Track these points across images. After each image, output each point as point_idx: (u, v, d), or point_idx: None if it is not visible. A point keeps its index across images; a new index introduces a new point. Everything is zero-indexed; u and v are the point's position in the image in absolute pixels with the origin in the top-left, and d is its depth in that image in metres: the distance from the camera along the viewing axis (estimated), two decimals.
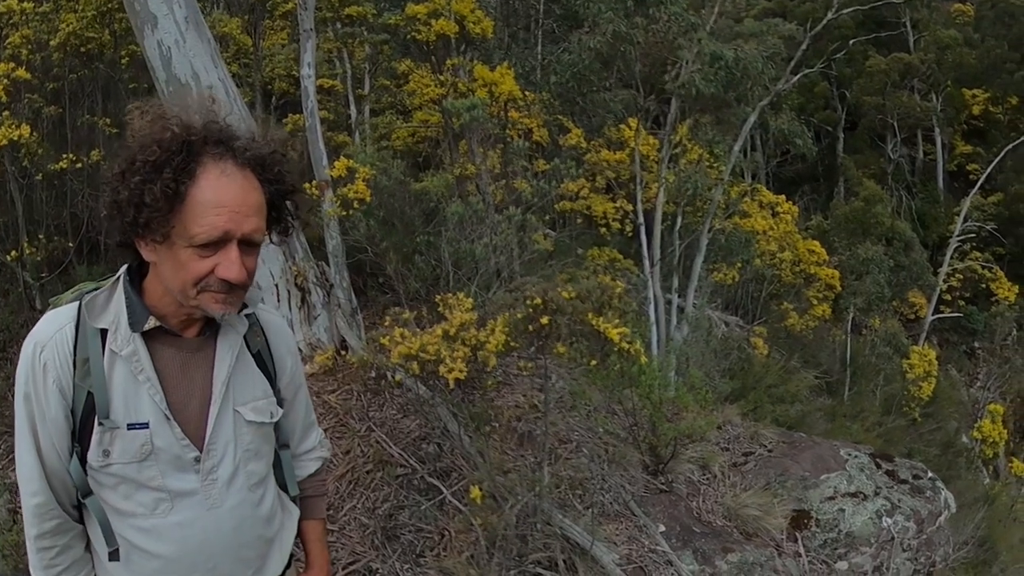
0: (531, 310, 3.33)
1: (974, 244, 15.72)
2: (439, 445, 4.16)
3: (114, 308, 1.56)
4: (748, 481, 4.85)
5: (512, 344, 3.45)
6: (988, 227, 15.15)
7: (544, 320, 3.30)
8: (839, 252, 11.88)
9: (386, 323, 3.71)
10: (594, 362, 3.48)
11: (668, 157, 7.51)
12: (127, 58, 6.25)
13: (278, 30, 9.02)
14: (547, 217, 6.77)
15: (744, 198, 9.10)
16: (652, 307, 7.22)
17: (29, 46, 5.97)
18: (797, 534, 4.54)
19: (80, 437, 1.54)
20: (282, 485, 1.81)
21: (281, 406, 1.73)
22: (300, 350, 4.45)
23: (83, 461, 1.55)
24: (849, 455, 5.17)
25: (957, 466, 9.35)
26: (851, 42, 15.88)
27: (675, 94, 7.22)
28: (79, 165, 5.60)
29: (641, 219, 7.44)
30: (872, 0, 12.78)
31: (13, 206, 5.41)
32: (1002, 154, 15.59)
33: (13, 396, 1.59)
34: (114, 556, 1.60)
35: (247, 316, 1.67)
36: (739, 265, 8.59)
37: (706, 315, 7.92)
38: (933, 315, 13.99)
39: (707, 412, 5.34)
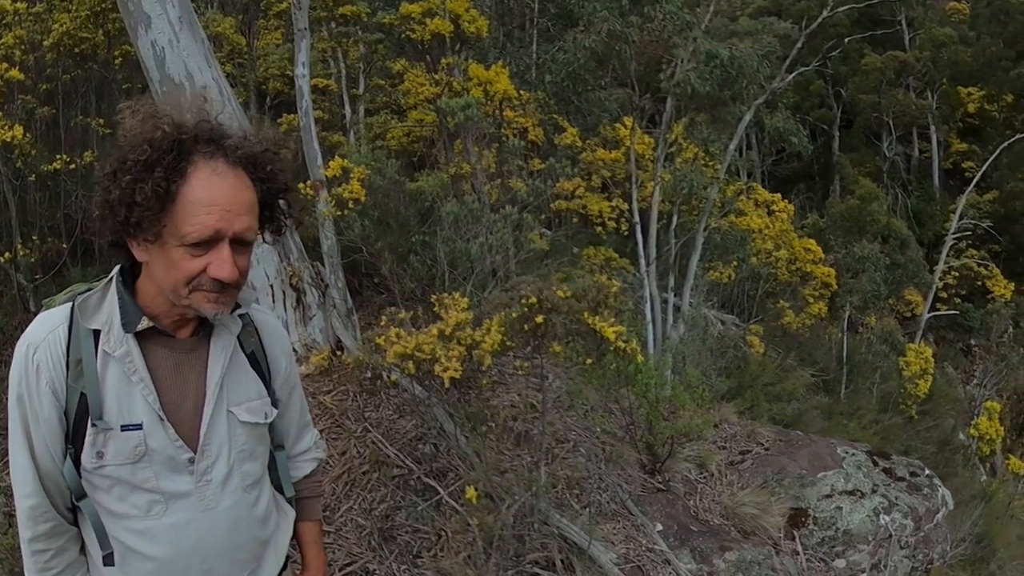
0: (527, 309, 3.32)
1: (970, 242, 15.77)
2: (435, 445, 4.15)
3: (107, 309, 1.55)
4: (745, 479, 4.85)
5: (508, 343, 3.45)
6: (984, 225, 15.21)
7: (540, 319, 3.30)
8: (835, 250, 11.91)
9: (382, 323, 3.69)
10: (590, 361, 3.47)
11: (664, 156, 7.52)
12: (121, 58, 6.24)
13: (272, 30, 9.00)
14: (543, 216, 6.78)
15: (740, 196, 9.12)
16: (648, 306, 7.23)
17: (22, 46, 5.96)
18: (795, 532, 4.54)
19: (73, 439, 1.53)
20: (277, 486, 1.80)
21: (275, 407, 1.73)
22: (295, 351, 4.46)
23: (77, 463, 1.54)
24: (846, 453, 5.18)
25: (954, 463, 9.35)
26: (846, 40, 15.95)
27: (670, 93, 7.22)
28: (73, 166, 5.57)
29: (637, 218, 7.45)
30: None
31: (6, 207, 5.40)
32: (997, 152, 15.66)
33: (6, 398, 1.58)
34: (108, 560, 1.59)
35: (241, 316, 1.67)
36: (735, 263, 8.61)
37: (702, 314, 7.93)
38: (929, 313, 14.03)
39: (704, 411, 5.34)
